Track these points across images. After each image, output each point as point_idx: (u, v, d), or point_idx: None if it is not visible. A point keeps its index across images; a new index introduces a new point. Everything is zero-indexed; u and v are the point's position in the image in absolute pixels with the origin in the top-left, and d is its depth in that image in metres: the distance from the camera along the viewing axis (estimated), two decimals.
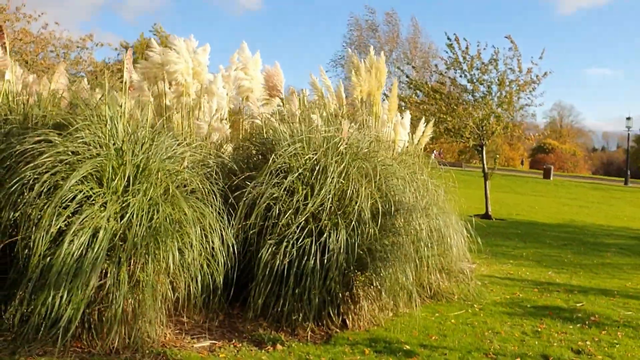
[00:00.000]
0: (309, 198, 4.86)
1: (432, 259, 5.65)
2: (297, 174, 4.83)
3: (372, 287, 5.06)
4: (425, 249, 5.39)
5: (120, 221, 3.95)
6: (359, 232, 4.70)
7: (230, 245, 4.38)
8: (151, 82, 5.47)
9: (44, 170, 3.96)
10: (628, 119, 38.46)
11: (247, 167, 5.24)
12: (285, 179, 4.85)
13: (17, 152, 4.11)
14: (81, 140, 4.17)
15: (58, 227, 3.80)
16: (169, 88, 5.42)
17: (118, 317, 3.80)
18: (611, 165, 64.23)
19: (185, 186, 4.54)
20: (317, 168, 4.88)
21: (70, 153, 4.16)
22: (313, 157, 4.90)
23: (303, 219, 4.69)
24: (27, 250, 3.85)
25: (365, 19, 28.33)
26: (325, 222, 4.77)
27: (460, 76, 17.04)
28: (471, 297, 6.11)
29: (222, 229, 4.38)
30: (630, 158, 62.81)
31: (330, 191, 4.78)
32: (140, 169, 4.26)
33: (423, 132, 7.78)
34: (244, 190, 4.78)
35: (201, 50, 5.57)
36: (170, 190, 4.28)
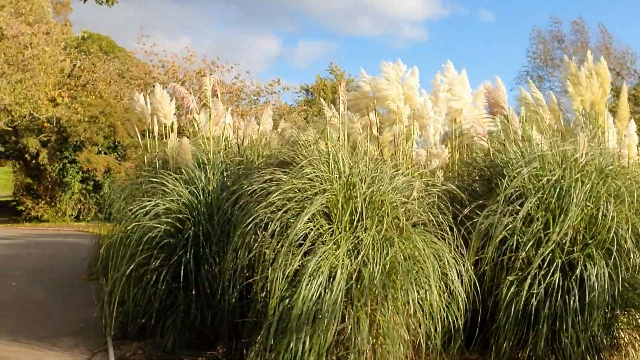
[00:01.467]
0: (550, 226, 4.22)
1: None
2: (534, 198, 4.22)
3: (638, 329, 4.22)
4: None
5: (355, 259, 3.70)
6: (621, 264, 3.94)
7: (469, 283, 3.92)
8: (361, 113, 5.30)
9: (276, 209, 3.89)
10: None
11: (469, 195, 4.75)
12: (521, 205, 4.28)
13: (248, 192, 4.12)
14: (308, 177, 4.05)
15: (294, 267, 3.67)
16: (379, 117, 5.21)
17: None
18: None
19: (410, 218, 4.19)
20: (557, 191, 4.24)
21: (296, 190, 4.07)
22: (552, 178, 4.27)
23: (548, 250, 4.07)
24: (264, 293, 3.77)
25: (549, 30, 26.40)
26: (576, 254, 4.09)
27: None
28: None
29: (458, 265, 3.94)
30: None
31: (577, 216, 4.10)
32: (367, 202, 4.01)
33: None
34: (474, 220, 4.30)
35: (410, 74, 5.28)
36: (401, 224, 3.96)
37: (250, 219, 3.91)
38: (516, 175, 4.34)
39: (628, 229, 4.08)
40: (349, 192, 4.01)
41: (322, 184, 4.06)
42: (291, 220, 3.87)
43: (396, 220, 4.01)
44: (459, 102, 5.91)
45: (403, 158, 4.90)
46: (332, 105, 6.99)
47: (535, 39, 26.97)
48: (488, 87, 5.24)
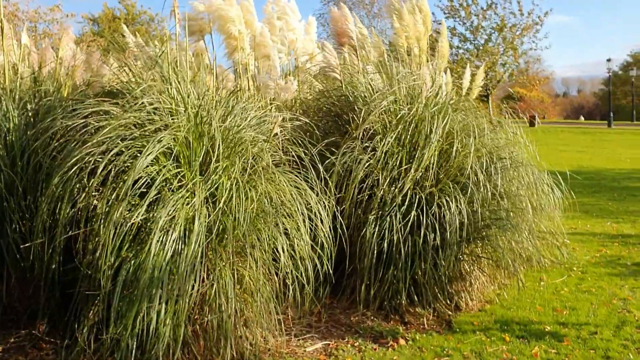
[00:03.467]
0: (403, 162, 4.10)
1: (528, 221, 4.96)
2: (394, 134, 4.04)
3: (480, 260, 4.38)
4: (527, 211, 4.68)
5: (215, 208, 3.12)
6: (474, 198, 3.97)
7: (335, 226, 3.61)
8: (196, 37, 4.57)
9: (107, 149, 3.09)
10: (608, 60, 38.34)
11: (321, 131, 4.42)
12: (376, 141, 4.07)
13: (68, 129, 3.23)
14: (147, 109, 3.30)
15: (138, 220, 2.97)
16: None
17: (229, 326, 3.03)
18: (582, 109, 64.83)
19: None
20: (412, 126, 4.11)
21: (132, 126, 3.30)
22: (408, 114, 4.11)
23: (407, 188, 3.94)
24: (97, 254, 3.01)
25: None
26: (431, 189, 4.03)
27: (460, 24, 16.29)
28: (562, 259, 5.50)
29: (323, 208, 3.59)
30: (600, 101, 63.52)
31: (433, 152, 4.03)
32: (221, 140, 3.42)
33: (472, 81, 7.01)
34: (329, 158, 3.98)
35: None
36: (262, 164, 3.46)
37: (71, 162, 3.06)
38: (373, 109, 4.10)
39: (481, 163, 4.13)
40: (199, 127, 3.37)
41: (162, 117, 3.35)
42: (128, 164, 3.13)
43: (256, 160, 3.49)
44: (293, 33, 5.48)
45: (249, 90, 4.35)
46: (136, 34, 6.12)
47: None
48: (335, 15, 4.87)
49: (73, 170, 3.06)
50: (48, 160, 3.29)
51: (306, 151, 3.70)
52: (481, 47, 15.70)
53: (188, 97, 3.47)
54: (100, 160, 3.08)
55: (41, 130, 3.40)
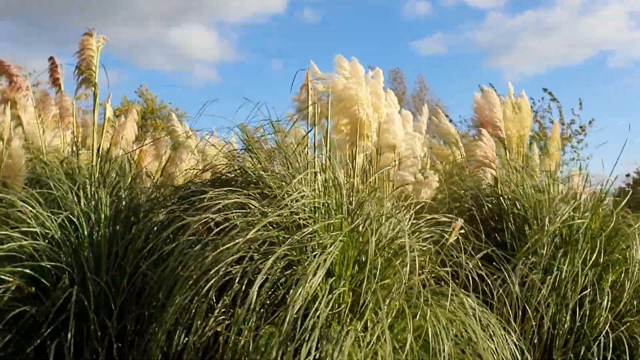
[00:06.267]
0: (579, 286, 3.17)
1: None
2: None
3: None
4: None
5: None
6: None
7: None
8: (307, 122, 3.81)
9: (250, 258, 2.20)
10: None
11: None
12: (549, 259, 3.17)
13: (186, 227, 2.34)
14: (300, 203, 2.44)
15: None
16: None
17: None
18: None
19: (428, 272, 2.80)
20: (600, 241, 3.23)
21: (272, 227, 2.43)
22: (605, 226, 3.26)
23: (602, 323, 2.99)
24: None
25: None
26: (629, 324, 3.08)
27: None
28: None
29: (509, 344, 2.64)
30: None
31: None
32: (387, 248, 2.54)
33: None
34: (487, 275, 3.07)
35: (375, 75, 3.94)
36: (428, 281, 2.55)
37: (201, 272, 2.16)
38: (545, 217, 3.24)
39: None
40: (363, 236, 2.48)
41: (322, 216, 2.49)
42: (277, 279, 2.23)
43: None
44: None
45: (387, 187, 3.51)
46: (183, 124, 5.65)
47: None
48: (479, 101, 4.14)
49: (202, 286, 2.15)
50: (157, 269, 2.37)
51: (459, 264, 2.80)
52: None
53: (340, 190, 2.63)
54: (241, 270, 2.18)
55: (141, 228, 2.50)
